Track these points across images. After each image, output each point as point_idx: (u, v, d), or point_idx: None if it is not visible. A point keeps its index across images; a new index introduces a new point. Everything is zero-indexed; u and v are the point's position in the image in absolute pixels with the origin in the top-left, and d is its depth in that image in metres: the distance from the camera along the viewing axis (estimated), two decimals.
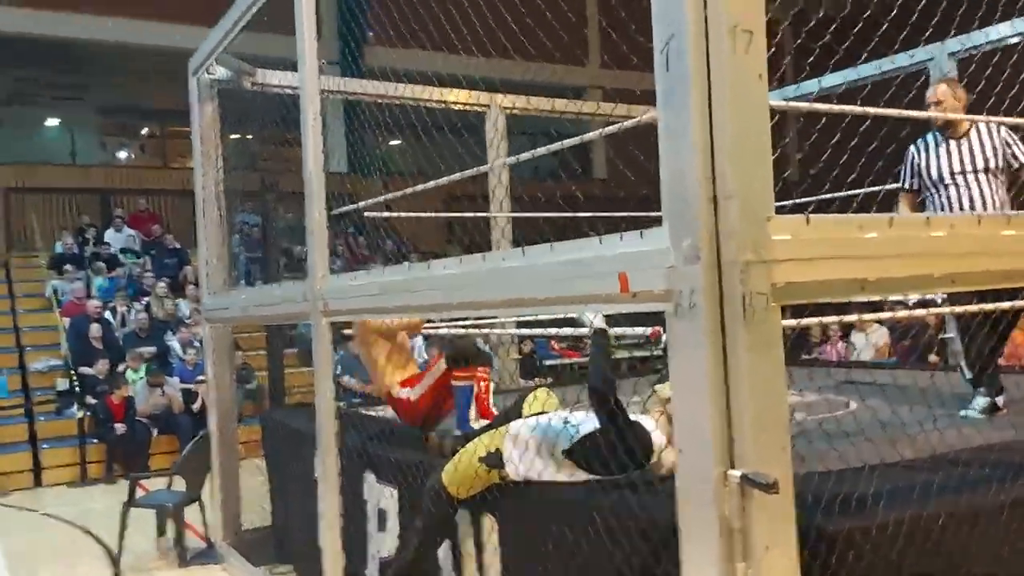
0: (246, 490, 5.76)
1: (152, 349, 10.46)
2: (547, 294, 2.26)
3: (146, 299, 11.70)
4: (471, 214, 6.14)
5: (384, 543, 3.81)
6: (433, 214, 8.21)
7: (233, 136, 6.04)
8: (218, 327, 5.72)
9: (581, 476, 2.73)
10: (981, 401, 3.83)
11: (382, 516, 3.86)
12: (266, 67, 5.62)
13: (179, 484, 6.01)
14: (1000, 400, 3.85)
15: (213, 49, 5.19)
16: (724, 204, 1.79)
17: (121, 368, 9.85)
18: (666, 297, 1.87)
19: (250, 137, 7.09)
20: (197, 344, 10.22)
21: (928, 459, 2.71)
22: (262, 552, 5.37)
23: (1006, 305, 3.62)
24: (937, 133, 4.06)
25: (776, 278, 1.81)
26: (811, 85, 5.41)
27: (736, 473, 1.76)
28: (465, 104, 6.44)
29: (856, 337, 9.91)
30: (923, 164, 4.06)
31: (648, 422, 2.68)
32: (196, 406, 9.54)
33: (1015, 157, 3.89)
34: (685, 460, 1.85)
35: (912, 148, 4.15)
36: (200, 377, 9.46)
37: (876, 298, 5.01)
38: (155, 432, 9.40)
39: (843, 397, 4.59)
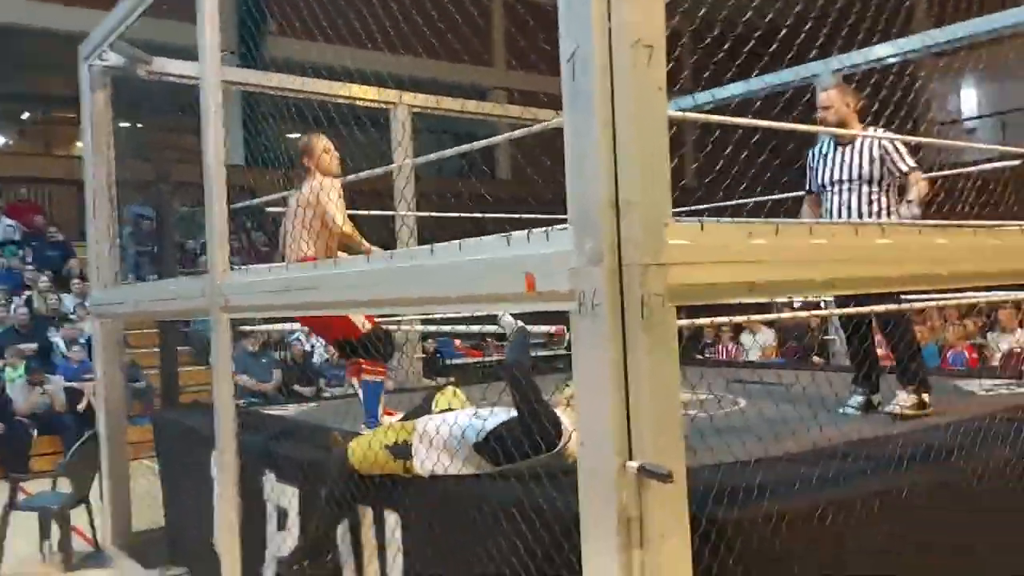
0: (135, 491, 5.59)
1: (33, 346, 9.97)
2: (456, 292, 2.31)
3: (27, 293, 11.14)
4: (378, 212, 6.11)
5: (284, 543, 3.78)
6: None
7: (123, 124, 5.84)
8: (108, 323, 5.53)
9: (488, 468, 2.79)
10: (858, 399, 4.06)
11: (282, 515, 3.83)
12: (159, 54, 5.45)
13: (64, 485, 5.77)
14: (876, 399, 4.04)
15: (107, 35, 5.01)
16: (625, 209, 1.89)
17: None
18: (570, 297, 1.95)
19: (140, 126, 6.88)
20: (82, 341, 9.81)
21: (809, 453, 2.88)
22: (154, 554, 5.23)
23: (880, 309, 3.85)
24: (831, 139, 4.17)
25: (672, 280, 1.92)
26: (705, 97, 5.65)
27: (634, 464, 1.86)
28: (371, 101, 6.41)
29: (745, 338, 10.34)
30: (816, 169, 4.21)
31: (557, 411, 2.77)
32: (81, 406, 9.16)
33: (895, 165, 3.96)
34: (586, 452, 1.94)
35: (809, 153, 4.27)
36: (87, 375, 9.09)
37: (765, 300, 5.27)
38: (35, 432, 8.96)
39: (732, 395, 4.80)
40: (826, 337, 7.70)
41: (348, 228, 4.22)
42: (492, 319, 3.58)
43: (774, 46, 2.92)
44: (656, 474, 1.83)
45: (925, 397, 3.79)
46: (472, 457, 2.83)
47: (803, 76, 5.66)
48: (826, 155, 4.16)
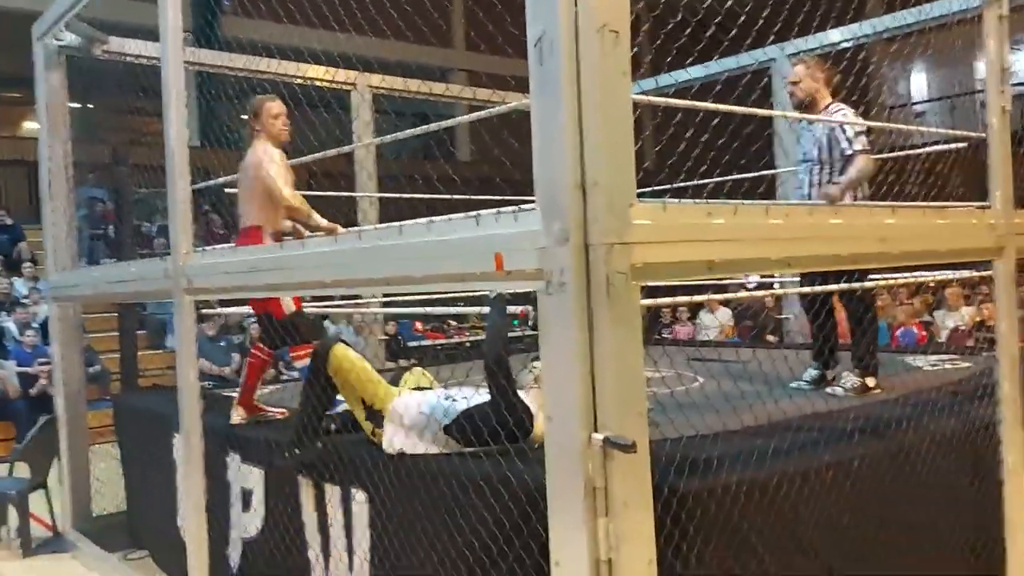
0: (94, 476, 5.55)
1: None
2: (424, 272, 2.35)
3: None
4: (337, 193, 6.10)
5: (251, 523, 3.80)
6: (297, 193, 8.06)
7: (74, 104, 5.74)
8: (66, 306, 5.46)
9: (456, 449, 2.85)
10: (811, 373, 4.17)
11: (247, 497, 3.85)
12: (106, 29, 5.35)
13: (21, 471, 5.70)
14: (830, 374, 4.12)
15: (63, 13, 4.92)
16: (591, 191, 1.95)
17: None
18: (538, 276, 2.01)
19: (92, 107, 6.75)
20: (35, 325, 9.63)
21: (765, 426, 2.99)
22: (115, 538, 5.21)
23: (834, 288, 3.95)
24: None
25: (636, 259, 1.98)
26: (667, 79, 5.73)
27: (599, 436, 1.93)
28: (330, 82, 6.38)
29: (704, 317, 10.51)
30: (803, 145, 4.23)
31: (526, 397, 2.83)
32: (35, 391, 9.00)
33: (839, 144, 3.93)
34: (554, 425, 2.00)
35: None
36: (41, 360, 8.93)
37: (722, 280, 5.39)
38: None
39: (691, 373, 4.92)
40: (779, 316, 7.88)
41: (296, 201, 4.08)
42: (452, 302, 3.62)
43: (733, 31, 3.00)
44: (620, 445, 1.91)
45: (870, 381, 3.89)
46: (440, 438, 2.88)
47: (760, 60, 5.77)
48: (800, 133, 4.20)
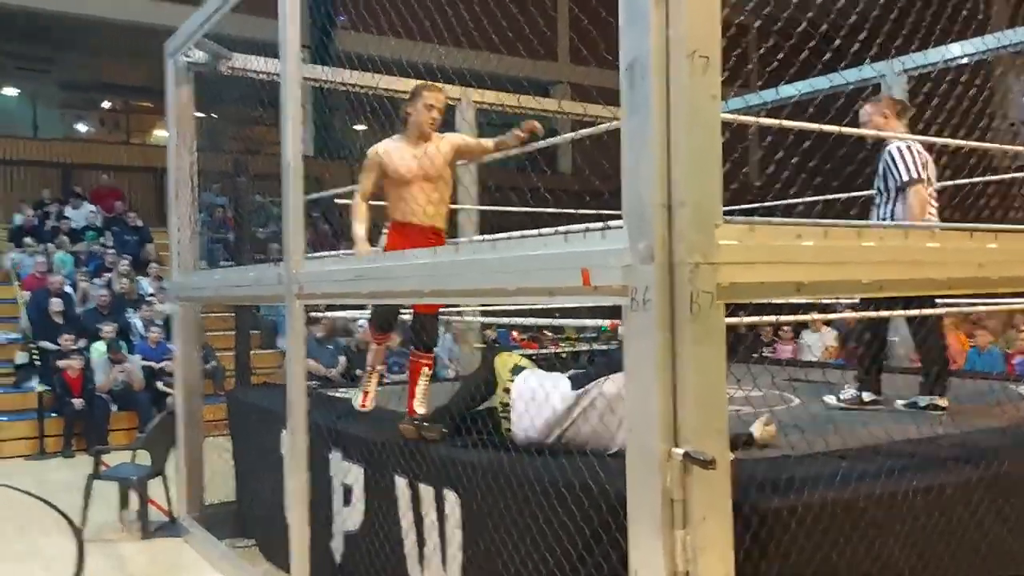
0: (208, 466, 5.88)
1: (114, 325, 10.46)
2: (515, 285, 2.46)
3: (107, 275, 11.67)
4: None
5: (350, 518, 3.99)
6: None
7: (199, 115, 6.12)
8: (188, 306, 5.83)
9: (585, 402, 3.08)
10: (849, 392, 4.24)
11: (347, 492, 4.03)
12: (226, 43, 5.69)
13: (142, 459, 6.11)
14: (867, 396, 4.21)
15: (193, 32, 5.28)
16: (677, 210, 2.01)
17: (82, 344, 9.85)
18: (623, 292, 2.09)
19: (215, 117, 7.15)
20: (159, 322, 10.25)
21: (853, 450, 2.96)
22: (224, 526, 5.51)
23: (942, 311, 3.89)
24: None
25: (721, 279, 2.03)
26: (770, 94, 5.68)
27: (679, 450, 1.98)
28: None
29: (807, 336, 10.27)
30: None
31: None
32: (161, 385, 9.61)
33: (893, 175, 4.11)
34: (634, 438, 2.07)
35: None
36: (165, 356, 9.52)
37: (828, 300, 5.31)
38: (114, 408, 9.43)
39: (787, 393, 4.86)
40: (886, 339, 7.62)
41: (356, 208, 4.02)
42: (548, 313, 3.74)
43: (853, 45, 2.97)
44: (699, 460, 1.96)
45: (942, 403, 3.99)
46: (569, 396, 3.14)
47: (868, 76, 5.66)
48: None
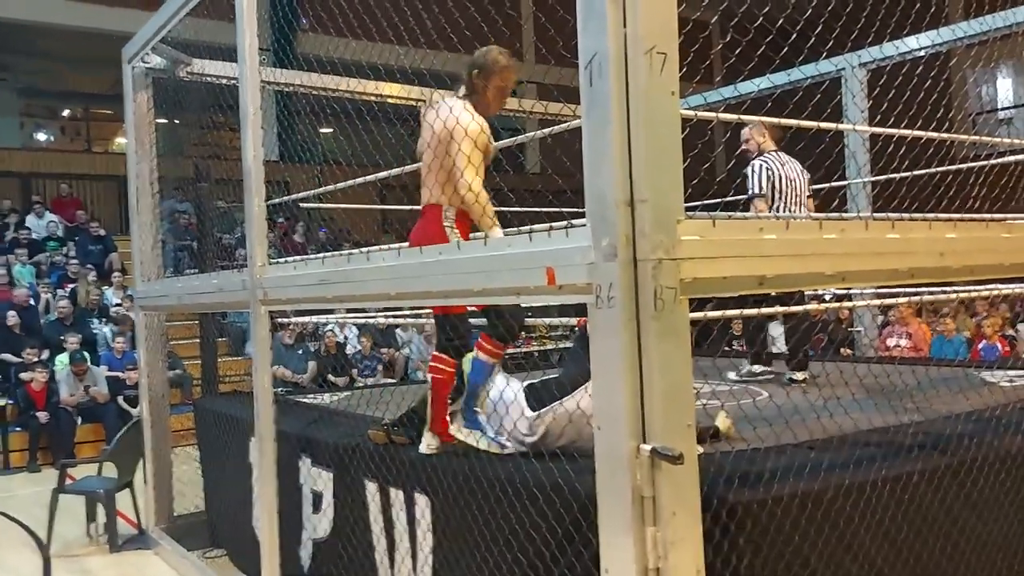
0: (176, 477, 5.81)
1: (78, 337, 10.28)
2: (481, 285, 2.44)
3: (71, 286, 11.47)
4: (407, 207, 6.25)
5: (321, 524, 3.95)
6: (368, 206, 8.30)
7: (160, 120, 6.04)
8: (152, 315, 5.74)
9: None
10: (746, 368, 5.28)
11: (317, 498, 4.00)
12: (190, 50, 5.62)
13: (108, 471, 6.01)
14: (757, 368, 5.27)
15: (150, 38, 5.20)
16: (639, 207, 2.00)
17: (45, 356, 9.67)
18: (588, 290, 2.08)
19: (177, 122, 7.05)
20: (128, 332, 10.10)
21: (821, 440, 2.98)
22: (195, 537, 5.44)
23: (903, 301, 3.95)
24: None
25: (684, 274, 2.03)
26: (730, 90, 5.71)
27: (647, 447, 1.98)
28: (403, 98, 6.56)
29: (773, 329, 10.34)
30: None
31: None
32: (123, 396, 9.45)
33: (748, 187, 4.95)
34: (603, 435, 2.06)
35: None
36: (130, 366, 9.37)
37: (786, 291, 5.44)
38: (80, 420, 9.27)
39: (755, 386, 4.90)
40: (851, 329, 7.72)
41: (478, 198, 3.17)
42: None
43: (812, 39, 3.00)
44: (667, 456, 1.96)
45: (799, 376, 4.96)
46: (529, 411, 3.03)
47: (827, 71, 5.72)
48: None
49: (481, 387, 3.08)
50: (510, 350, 12.73)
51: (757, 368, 5.31)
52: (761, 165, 4.96)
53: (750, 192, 4.93)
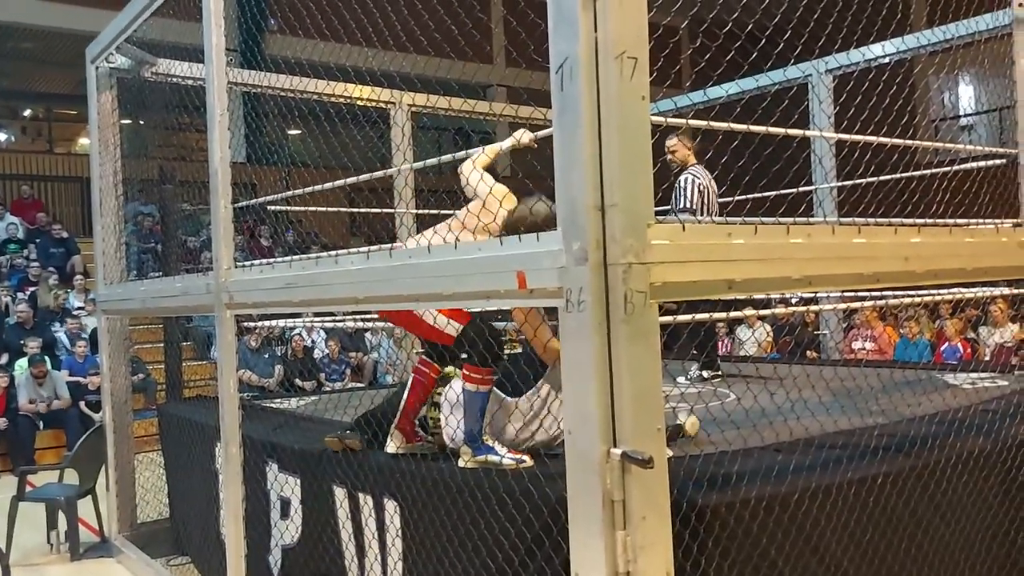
0: (139, 483, 5.72)
1: (39, 341, 10.09)
2: (451, 289, 2.43)
3: (31, 289, 11.26)
4: (376, 210, 6.23)
5: (288, 531, 3.91)
6: (337, 209, 8.24)
7: (124, 122, 5.95)
8: (115, 319, 5.65)
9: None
10: (695, 372, 5.37)
11: (285, 504, 3.95)
12: (155, 50, 5.54)
13: (70, 478, 5.90)
14: (707, 373, 5.41)
15: (114, 38, 5.12)
16: (610, 212, 2.01)
17: (4, 360, 9.48)
18: (558, 294, 2.08)
19: (142, 123, 6.96)
20: (85, 336, 9.93)
21: (788, 443, 3.01)
22: (158, 544, 5.36)
23: (868, 304, 3.99)
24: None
25: (654, 278, 2.04)
26: (700, 96, 5.76)
27: (617, 451, 1.98)
28: (371, 101, 6.52)
29: (741, 332, 10.45)
30: None
31: None
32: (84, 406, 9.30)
33: (678, 199, 5.11)
34: (573, 439, 2.06)
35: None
36: (92, 370, 9.21)
37: (760, 296, 5.51)
38: (41, 425, 9.09)
39: (723, 388, 4.93)
40: (817, 332, 7.82)
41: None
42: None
43: (780, 45, 3.03)
44: (637, 460, 1.96)
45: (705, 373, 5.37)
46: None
47: (794, 77, 5.78)
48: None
49: (479, 418, 3.01)
50: None
51: (708, 373, 5.45)
52: (692, 179, 5.05)
53: (679, 205, 5.03)
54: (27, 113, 18.82)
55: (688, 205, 5.04)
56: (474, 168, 3.47)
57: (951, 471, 2.90)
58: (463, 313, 3.09)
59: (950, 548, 2.97)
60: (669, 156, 5.18)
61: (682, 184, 5.10)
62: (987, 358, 8.56)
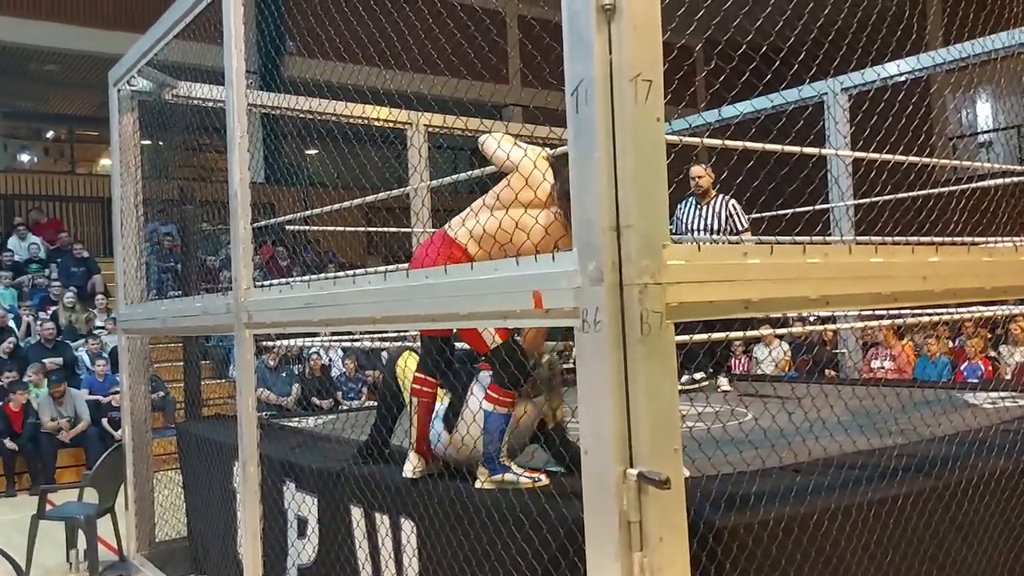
0: (158, 502, 5.74)
1: (59, 360, 10.20)
2: (468, 309, 2.44)
3: (52, 308, 11.38)
4: (393, 229, 6.26)
5: (304, 550, 3.91)
6: (354, 228, 8.31)
7: (145, 143, 6.03)
8: (134, 338, 5.70)
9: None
10: (685, 377, 5.48)
11: (302, 524, 3.96)
12: (175, 72, 5.62)
13: (89, 496, 5.93)
14: (698, 375, 5.59)
15: (136, 61, 5.20)
16: (625, 232, 2.02)
17: (24, 379, 9.56)
18: (574, 314, 2.08)
19: (162, 144, 7.06)
20: (105, 355, 10.01)
21: (807, 463, 2.99)
22: (176, 563, 5.38)
23: (886, 323, 3.97)
24: (694, 197, 5.73)
25: (670, 298, 2.04)
26: (713, 115, 5.78)
27: (634, 471, 1.98)
28: (388, 121, 6.58)
29: (759, 351, 10.39)
30: (681, 218, 5.72)
31: None
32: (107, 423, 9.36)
33: (735, 223, 5.56)
34: (589, 460, 2.06)
35: (678, 205, 5.74)
36: (112, 389, 9.28)
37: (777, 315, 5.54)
38: (65, 441, 9.16)
39: (741, 408, 4.90)
40: (836, 351, 7.76)
41: None
42: None
43: (795, 66, 3.04)
44: (654, 480, 1.95)
45: (698, 376, 5.58)
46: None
47: (809, 95, 5.79)
48: (690, 209, 5.75)
49: (497, 439, 2.97)
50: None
51: (699, 375, 5.64)
52: (737, 203, 5.53)
53: (741, 227, 5.52)
54: (50, 134, 19.09)
55: (747, 227, 5.54)
56: (500, 141, 3.16)
57: (972, 492, 2.87)
58: (505, 330, 3.01)
59: (972, 570, 2.94)
60: (694, 182, 5.58)
61: (736, 209, 5.55)
62: (1008, 377, 8.48)
